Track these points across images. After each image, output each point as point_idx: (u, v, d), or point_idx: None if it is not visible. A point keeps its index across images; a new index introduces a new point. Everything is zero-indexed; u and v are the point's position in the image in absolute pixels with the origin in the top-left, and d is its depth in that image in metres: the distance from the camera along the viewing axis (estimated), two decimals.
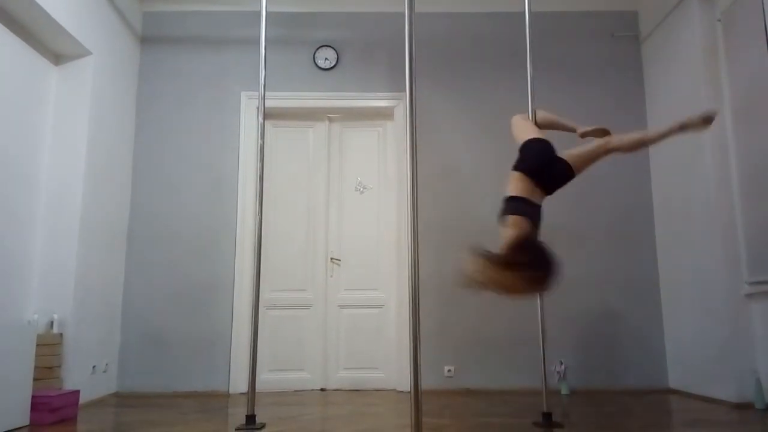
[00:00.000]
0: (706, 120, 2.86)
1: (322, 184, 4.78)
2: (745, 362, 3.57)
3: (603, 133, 3.10)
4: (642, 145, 3.08)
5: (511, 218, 2.61)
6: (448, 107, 4.73)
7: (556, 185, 2.83)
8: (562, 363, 4.24)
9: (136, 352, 4.36)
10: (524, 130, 3.03)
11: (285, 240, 4.67)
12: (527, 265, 2.26)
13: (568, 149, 2.87)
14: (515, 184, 2.74)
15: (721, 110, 3.84)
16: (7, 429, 2.87)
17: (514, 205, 2.67)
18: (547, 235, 3.24)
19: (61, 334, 3.64)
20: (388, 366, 4.50)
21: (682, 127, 2.90)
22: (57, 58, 3.95)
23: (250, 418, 3.00)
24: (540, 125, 3.25)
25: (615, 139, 2.94)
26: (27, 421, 3.04)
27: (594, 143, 2.93)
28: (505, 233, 2.57)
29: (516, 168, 2.79)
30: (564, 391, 4.21)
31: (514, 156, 2.83)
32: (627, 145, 2.97)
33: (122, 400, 4.08)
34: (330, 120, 4.87)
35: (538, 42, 4.68)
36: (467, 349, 4.40)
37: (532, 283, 2.30)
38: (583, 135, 3.17)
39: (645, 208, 4.60)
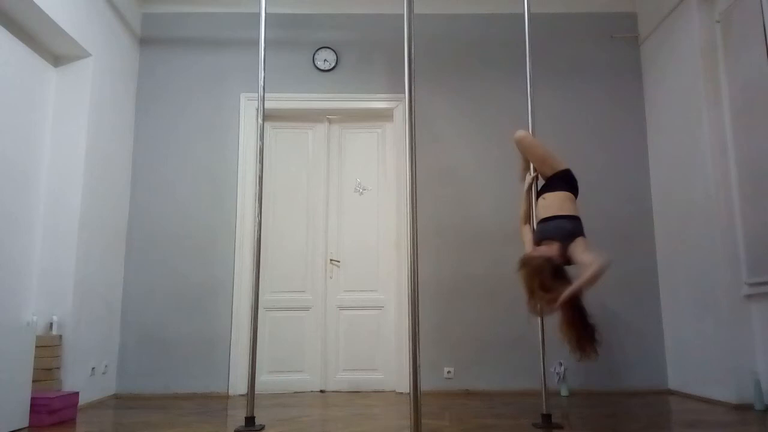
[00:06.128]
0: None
1: (321, 186, 4.78)
2: (744, 363, 3.56)
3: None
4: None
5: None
6: (447, 109, 4.73)
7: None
8: (561, 364, 4.24)
9: (135, 354, 4.35)
10: (553, 155, 3.22)
11: (284, 241, 4.67)
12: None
13: None
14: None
15: (720, 111, 3.85)
16: (6, 431, 2.86)
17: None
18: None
19: (60, 336, 3.64)
20: (388, 367, 4.49)
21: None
22: (56, 59, 3.95)
23: (250, 420, 3.00)
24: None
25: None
26: (26, 423, 3.03)
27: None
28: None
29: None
30: (563, 392, 4.21)
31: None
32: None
33: (121, 401, 4.07)
34: (329, 121, 4.87)
35: (537, 43, 4.68)
36: (466, 350, 4.40)
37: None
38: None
39: (644, 209, 4.60)
